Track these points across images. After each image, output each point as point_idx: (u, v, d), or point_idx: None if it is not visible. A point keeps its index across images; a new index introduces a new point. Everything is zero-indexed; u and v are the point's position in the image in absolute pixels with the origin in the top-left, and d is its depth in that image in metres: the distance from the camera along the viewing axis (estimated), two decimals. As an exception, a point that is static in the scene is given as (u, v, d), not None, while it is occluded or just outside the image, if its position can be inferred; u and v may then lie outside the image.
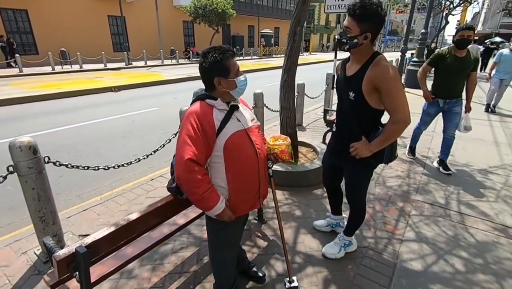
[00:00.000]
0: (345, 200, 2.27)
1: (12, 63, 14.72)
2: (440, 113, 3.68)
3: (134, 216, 1.35)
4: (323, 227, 2.50)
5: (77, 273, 1.21)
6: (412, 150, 4.15)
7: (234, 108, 1.48)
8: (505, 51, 6.45)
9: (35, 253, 2.21)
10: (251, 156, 1.50)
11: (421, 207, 2.90)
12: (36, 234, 2.14)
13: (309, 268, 2.09)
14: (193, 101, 1.47)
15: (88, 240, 1.17)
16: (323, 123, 5.68)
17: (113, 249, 1.55)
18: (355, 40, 1.59)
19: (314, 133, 5.23)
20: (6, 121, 6.21)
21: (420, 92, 6.89)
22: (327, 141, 4.62)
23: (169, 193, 1.62)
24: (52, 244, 1.41)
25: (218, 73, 1.37)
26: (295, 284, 1.88)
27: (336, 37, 1.68)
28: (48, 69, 14.51)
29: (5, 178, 1.90)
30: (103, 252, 1.39)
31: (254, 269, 1.98)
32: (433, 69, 3.57)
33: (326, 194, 2.49)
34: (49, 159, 2.08)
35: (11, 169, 1.91)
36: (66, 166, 2.21)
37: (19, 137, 1.92)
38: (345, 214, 2.44)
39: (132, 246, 1.68)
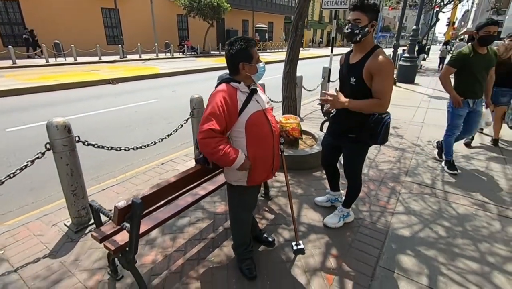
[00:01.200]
0: (342, 180, 2.57)
1: (36, 54, 15.67)
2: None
3: (172, 179, 1.60)
4: (323, 202, 2.80)
5: (128, 225, 1.45)
6: (451, 164, 3.56)
7: (254, 91, 1.74)
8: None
9: (65, 225, 2.43)
10: (267, 132, 1.77)
11: (410, 186, 3.21)
12: (67, 207, 2.37)
13: (312, 235, 2.39)
14: (219, 84, 1.71)
15: (139, 195, 1.41)
16: (319, 115, 6.00)
17: (145, 214, 1.80)
18: (366, 29, 1.89)
19: (312, 124, 5.52)
20: (7, 112, 6.30)
21: (411, 86, 7.31)
22: (324, 130, 4.92)
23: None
24: (98, 205, 1.66)
25: (243, 59, 1.62)
26: (301, 246, 2.17)
27: (347, 31, 1.93)
28: (41, 61, 14.40)
29: (43, 154, 2.12)
30: (143, 212, 1.63)
31: (265, 235, 2.26)
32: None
33: (325, 176, 2.77)
34: (79, 138, 2.30)
35: (48, 146, 2.12)
36: (93, 145, 2.43)
37: (54, 118, 2.13)
38: (342, 191, 2.73)
39: (162, 211, 1.93)
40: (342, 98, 1.98)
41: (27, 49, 15.78)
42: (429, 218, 2.64)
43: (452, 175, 3.48)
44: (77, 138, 2.28)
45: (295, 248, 2.17)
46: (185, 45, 22.42)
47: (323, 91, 2.05)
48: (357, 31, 1.89)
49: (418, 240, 2.34)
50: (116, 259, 1.82)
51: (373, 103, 1.92)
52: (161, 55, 20.22)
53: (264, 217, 2.62)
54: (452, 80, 3.40)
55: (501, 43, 4.42)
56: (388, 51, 15.20)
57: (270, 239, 2.24)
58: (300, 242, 2.20)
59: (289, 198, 2.18)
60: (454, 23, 28.75)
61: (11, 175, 2.00)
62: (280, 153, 1.99)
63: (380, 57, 1.88)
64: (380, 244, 2.28)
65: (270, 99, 5.00)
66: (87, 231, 2.38)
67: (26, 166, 2.06)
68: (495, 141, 4.47)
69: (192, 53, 22.58)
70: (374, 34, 2.05)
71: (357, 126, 2.08)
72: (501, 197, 3.02)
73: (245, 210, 1.91)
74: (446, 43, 18.23)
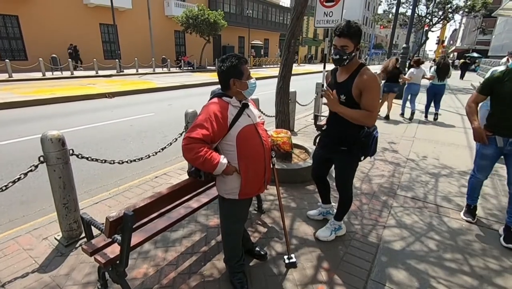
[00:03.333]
0: (334, 193, 2.60)
1: (77, 67, 17.53)
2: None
3: (165, 192, 1.62)
4: (315, 215, 2.81)
5: (119, 238, 1.46)
6: (470, 210, 2.91)
7: (245, 106, 1.79)
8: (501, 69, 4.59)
9: (55, 238, 2.41)
10: (258, 146, 1.81)
11: (402, 200, 3.25)
12: (59, 220, 2.36)
13: (304, 248, 2.39)
14: (211, 98, 1.77)
15: (131, 207, 1.43)
16: (312, 129, 6.09)
17: (137, 226, 1.80)
18: (353, 54, 1.99)
19: (305, 138, 5.59)
20: (3, 125, 6.29)
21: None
22: (317, 144, 4.99)
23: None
24: (90, 218, 1.66)
25: (233, 75, 1.69)
26: (293, 260, 2.17)
27: (335, 57, 2.02)
28: (38, 75, 14.47)
29: (36, 167, 2.13)
30: (134, 224, 1.64)
31: (257, 248, 2.26)
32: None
33: (317, 189, 2.80)
34: (73, 151, 2.32)
35: (41, 159, 2.14)
36: (87, 158, 2.44)
37: (49, 131, 2.15)
38: (334, 203, 2.76)
39: (154, 224, 1.94)
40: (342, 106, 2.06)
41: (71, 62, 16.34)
42: (420, 232, 2.66)
43: (466, 221, 2.86)
44: (71, 152, 2.29)
45: (287, 261, 2.17)
46: (182, 61, 22.76)
47: (326, 86, 2.14)
48: (345, 57, 1.98)
49: (410, 254, 2.36)
50: (106, 273, 1.81)
51: (365, 114, 2.00)
52: (158, 70, 20.45)
53: (256, 230, 2.62)
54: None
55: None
56: (380, 67, 15.65)
57: (263, 253, 2.24)
58: (292, 255, 2.21)
59: (281, 212, 2.21)
60: (443, 41, 29.82)
61: (3, 188, 2.00)
62: (271, 166, 2.03)
63: (368, 75, 1.97)
64: (372, 257, 2.29)
65: (263, 113, 5.08)
66: (77, 245, 2.35)
67: (19, 179, 2.07)
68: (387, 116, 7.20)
69: (189, 68, 22.90)
70: (367, 51, 2.16)
71: (349, 139, 2.14)
72: (492, 211, 3.07)
73: (236, 222, 1.92)
74: (434, 60, 20.12)
